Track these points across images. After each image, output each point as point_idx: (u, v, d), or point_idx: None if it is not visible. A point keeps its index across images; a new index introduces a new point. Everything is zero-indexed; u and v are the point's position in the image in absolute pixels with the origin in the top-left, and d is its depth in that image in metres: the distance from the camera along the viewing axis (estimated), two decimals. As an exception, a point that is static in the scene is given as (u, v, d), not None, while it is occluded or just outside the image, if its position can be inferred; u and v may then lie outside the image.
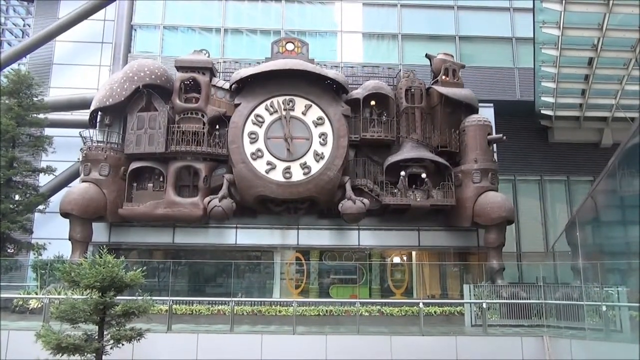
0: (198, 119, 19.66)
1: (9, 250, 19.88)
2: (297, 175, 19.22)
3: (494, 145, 20.64)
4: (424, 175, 19.51)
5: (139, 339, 11.10)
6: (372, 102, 20.34)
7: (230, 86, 20.09)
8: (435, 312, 18.26)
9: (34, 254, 19.97)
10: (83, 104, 22.75)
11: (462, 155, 20.18)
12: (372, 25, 25.34)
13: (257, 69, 19.56)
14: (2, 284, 17.43)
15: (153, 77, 19.57)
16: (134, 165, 19.52)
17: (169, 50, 23.98)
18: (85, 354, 10.46)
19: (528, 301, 16.36)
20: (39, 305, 16.56)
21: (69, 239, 18.79)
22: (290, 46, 20.55)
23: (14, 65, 24.78)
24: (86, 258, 14.01)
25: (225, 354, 13.50)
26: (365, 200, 19.22)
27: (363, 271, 21.23)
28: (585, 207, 14.92)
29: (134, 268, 11.41)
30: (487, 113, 21.27)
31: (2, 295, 16.39)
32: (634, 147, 10.04)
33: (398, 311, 18.34)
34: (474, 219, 19.30)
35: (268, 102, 19.80)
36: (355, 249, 21.10)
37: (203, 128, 19.49)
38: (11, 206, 19.56)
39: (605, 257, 13.47)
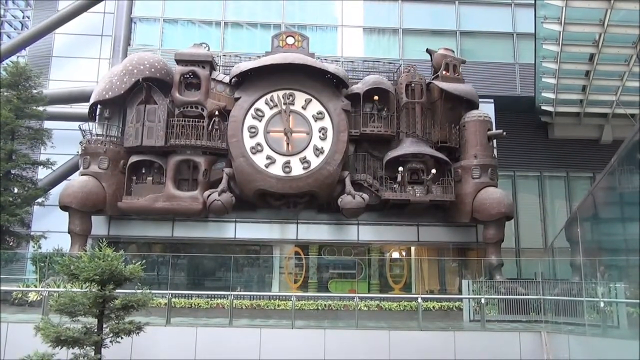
0: (198, 112, 19.63)
1: (10, 243, 19.88)
2: (297, 169, 19.20)
3: (494, 140, 20.63)
4: (433, 171, 19.35)
5: (138, 332, 11.14)
6: (376, 97, 20.24)
7: (230, 80, 20.02)
8: (433, 307, 18.35)
9: (34, 246, 19.97)
10: (82, 97, 22.67)
11: (461, 151, 20.15)
12: (372, 19, 25.21)
13: (257, 63, 19.49)
14: (1, 276, 17.44)
15: (153, 70, 19.52)
16: (134, 158, 19.49)
17: (169, 44, 23.85)
18: (85, 347, 10.50)
19: (526, 297, 16.42)
20: (38, 298, 16.60)
21: (68, 232, 18.79)
22: (290, 40, 20.48)
23: (13, 58, 24.66)
24: (85, 251, 14.02)
25: (224, 348, 13.56)
26: (365, 195, 19.22)
27: (362, 266, 21.26)
28: (586, 203, 14.92)
29: (133, 261, 11.43)
30: (487, 108, 21.23)
31: (1, 288, 16.40)
32: (637, 144, 10.02)
33: (397, 306, 18.45)
34: (473, 215, 19.29)
35: (268, 96, 19.75)
36: (354, 244, 21.13)
37: (202, 122, 19.46)
38: (10, 199, 19.54)
39: (605, 253, 13.49)
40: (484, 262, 19.31)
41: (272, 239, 20.79)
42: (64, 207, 18.63)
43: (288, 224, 20.58)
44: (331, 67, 19.93)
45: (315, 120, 19.71)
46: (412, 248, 22.27)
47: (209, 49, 20.82)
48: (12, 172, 20.10)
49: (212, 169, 19.78)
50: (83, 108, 21.56)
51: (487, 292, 17.11)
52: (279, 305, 18.04)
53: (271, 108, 19.71)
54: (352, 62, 22.60)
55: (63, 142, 21.89)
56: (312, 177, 19.11)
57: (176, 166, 19.46)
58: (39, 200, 20.80)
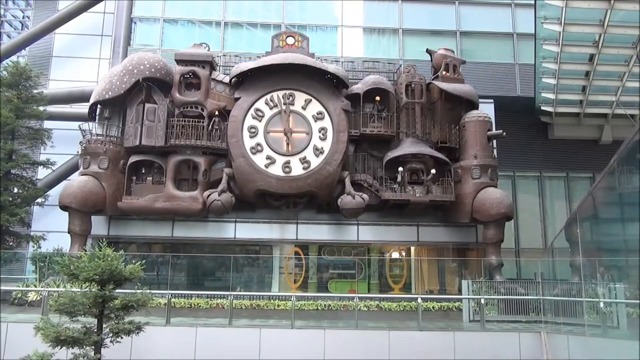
0: (198, 112, 19.63)
1: (10, 243, 19.87)
2: (297, 169, 19.21)
3: (494, 141, 20.64)
4: (433, 171, 19.35)
5: (137, 332, 11.13)
6: (377, 98, 20.23)
7: (230, 80, 20.02)
8: (433, 307, 18.35)
9: (33, 246, 19.97)
10: (82, 97, 22.68)
11: (461, 151, 20.15)
12: (372, 19, 25.24)
13: (257, 63, 19.49)
14: (1, 276, 17.45)
15: (153, 70, 19.52)
16: (133, 158, 19.49)
17: (169, 44, 23.88)
18: (84, 347, 10.49)
19: (526, 297, 16.42)
20: (38, 298, 16.60)
21: (68, 232, 18.78)
22: (290, 40, 20.47)
23: (13, 58, 24.67)
24: (85, 251, 14.02)
25: (224, 348, 13.56)
26: (365, 196, 19.22)
27: (362, 266, 21.26)
28: (586, 203, 14.93)
29: (133, 261, 11.42)
30: (487, 109, 21.23)
31: (1, 288, 16.40)
32: (637, 144, 10.03)
33: (396, 306, 18.45)
34: (473, 215, 19.29)
35: (268, 96, 19.76)
36: (354, 244, 21.12)
37: (202, 122, 19.46)
38: (10, 199, 19.53)
39: (605, 254, 13.51)
40: (484, 262, 19.32)
41: (272, 239, 20.79)
42: (63, 207, 18.62)
43: (288, 224, 20.58)
44: (331, 67, 19.93)
45: (315, 121, 19.71)
46: (412, 248, 22.29)
47: (209, 49, 20.82)
48: (12, 172, 20.09)
49: (212, 169, 19.78)
50: (83, 108, 21.54)
51: (487, 292, 17.11)
52: (278, 306, 18.04)
53: (271, 108, 19.71)
54: (352, 62, 22.59)
55: (63, 142, 21.88)
56: (312, 177, 19.11)
57: (176, 166, 19.46)
58: (39, 200, 20.79)
